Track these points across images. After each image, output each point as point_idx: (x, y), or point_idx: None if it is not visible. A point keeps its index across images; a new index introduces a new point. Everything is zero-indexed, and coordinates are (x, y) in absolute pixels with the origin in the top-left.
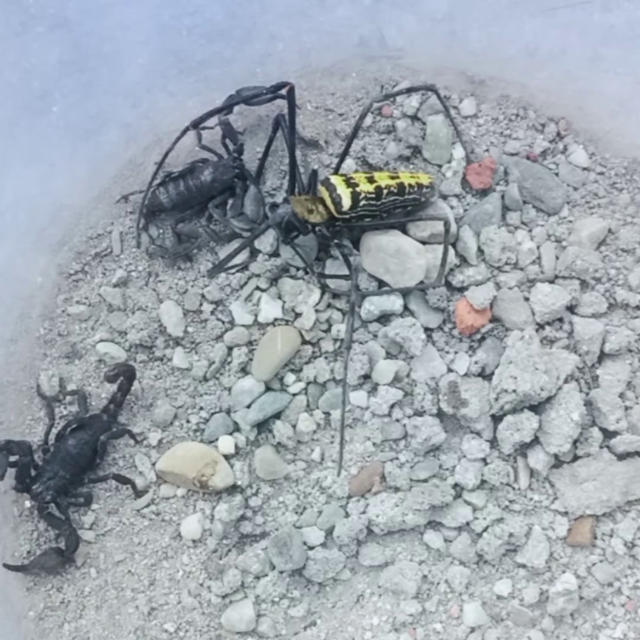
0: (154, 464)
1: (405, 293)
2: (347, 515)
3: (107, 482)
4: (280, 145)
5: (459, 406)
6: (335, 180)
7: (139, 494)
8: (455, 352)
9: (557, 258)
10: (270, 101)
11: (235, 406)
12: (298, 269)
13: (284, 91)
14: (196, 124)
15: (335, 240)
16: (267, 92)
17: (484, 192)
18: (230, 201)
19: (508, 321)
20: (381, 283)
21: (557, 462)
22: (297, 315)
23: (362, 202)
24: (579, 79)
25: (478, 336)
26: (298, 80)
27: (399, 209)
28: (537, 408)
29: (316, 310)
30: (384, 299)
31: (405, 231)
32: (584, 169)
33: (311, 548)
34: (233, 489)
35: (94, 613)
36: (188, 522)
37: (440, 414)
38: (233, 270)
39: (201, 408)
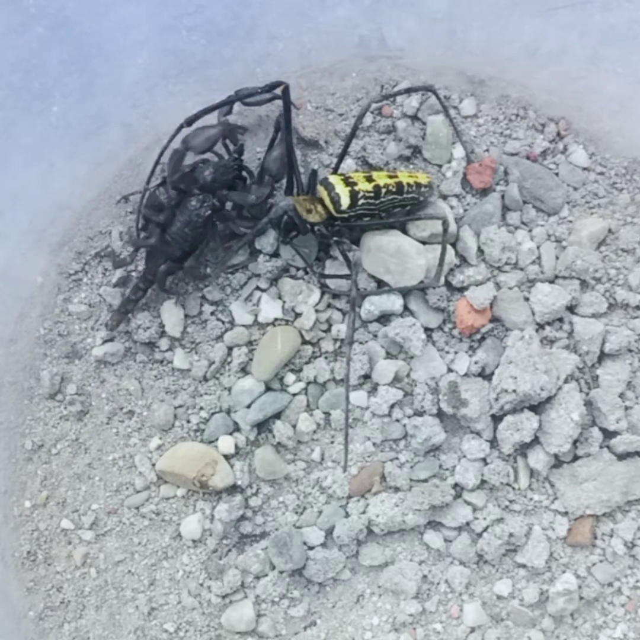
0: (154, 464)
1: (405, 293)
2: (347, 515)
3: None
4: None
5: (459, 406)
6: (333, 179)
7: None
8: (455, 352)
9: (557, 258)
10: (269, 101)
11: (235, 406)
12: (298, 269)
13: (278, 90)
14: (190, 122)
15: (334, 238)
16: (262, 91)
17: (484, 192)
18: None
19: (508, 321)
20: (381, 283)
21: (557, 462)
22: (297, 315)
23: (361, 201)
24: (579, 79)
25: (478, 336)
26: (298, 80)
27: (397, 208)
28: (537, 408)
29: (316, 310)
30: (384, 299)
31: (405, 231)
32: (584, 169)
33: (311, 548)
34: (233, 489)
35: (94, 613)
36: (188, 522)
37: (440, 414)
38: (232, 270)
39: (201, 408)
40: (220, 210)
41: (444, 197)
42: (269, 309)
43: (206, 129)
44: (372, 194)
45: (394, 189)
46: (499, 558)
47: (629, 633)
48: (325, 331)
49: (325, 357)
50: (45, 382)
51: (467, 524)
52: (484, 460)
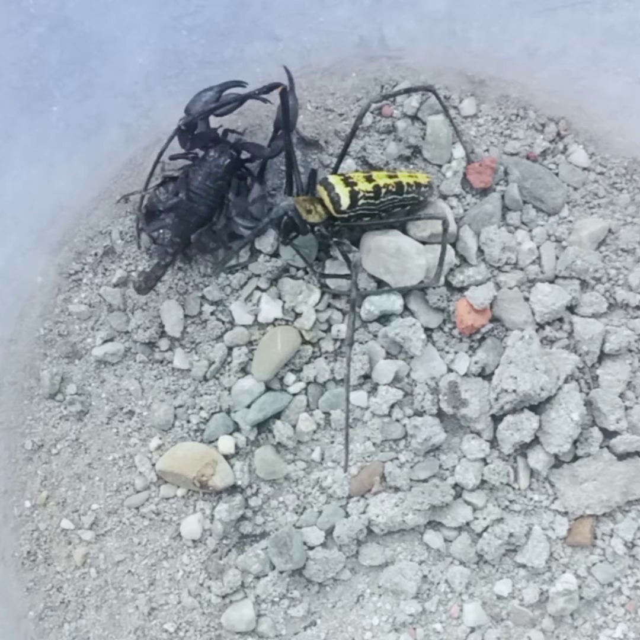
0: (154, 464)
1: (405, 293)
2: (347, 515)
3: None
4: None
5: (459, 406)
6: (333, 179)
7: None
8: (455, 352)
9: (557, 258)
10: (261, 100)
11: (235, 406)
12: (298, 269)
13: (276, 91)
14: (189, 122)
15: (334, 239)
16: (260, 92)
17: (484, 192)
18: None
19: (508, 321)
20: (381, 283)
21: (557, 462)
22: (297, 315)
23: (361, 201)
24: (579, 79)
25: (478, 336)
26: (298, 80)
27: (397, 208)
28: (537, 408)
29: (316, 310)
30: (384, 299)
31: (405, 231)
32: (584, 169)
33: (311, 548)
34: (233, 489)
35: (94, 613)
36: (188, 522)
37: (440, 414)
38: (233, 270)
39: (201, 408)
40: (238, 159)
41: (444, 197)
42: (269, 309)
43: (203, 93)
44: (372, 194)
45: (394, 189)
46: (499, 558)
47: (629, 633)
48: (325, 331)
49: (325, 357)
50: (45, 382)
51: (467, 524)
52: (484, 460)
